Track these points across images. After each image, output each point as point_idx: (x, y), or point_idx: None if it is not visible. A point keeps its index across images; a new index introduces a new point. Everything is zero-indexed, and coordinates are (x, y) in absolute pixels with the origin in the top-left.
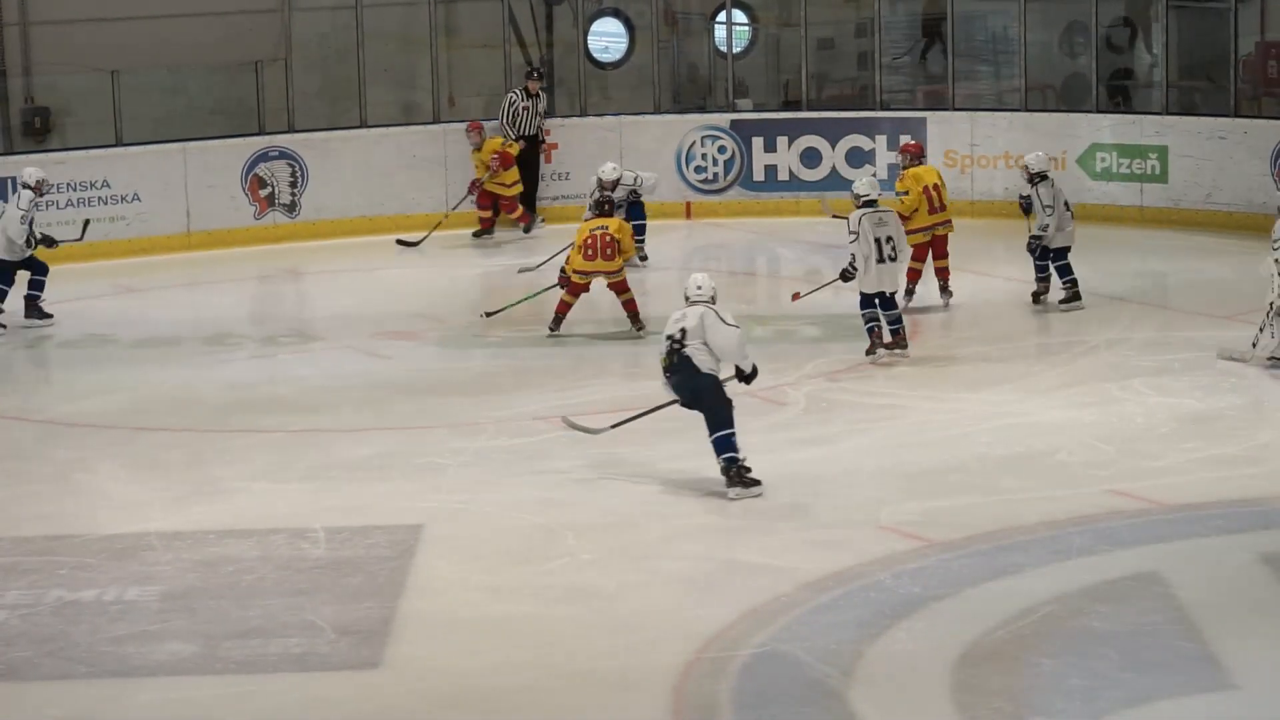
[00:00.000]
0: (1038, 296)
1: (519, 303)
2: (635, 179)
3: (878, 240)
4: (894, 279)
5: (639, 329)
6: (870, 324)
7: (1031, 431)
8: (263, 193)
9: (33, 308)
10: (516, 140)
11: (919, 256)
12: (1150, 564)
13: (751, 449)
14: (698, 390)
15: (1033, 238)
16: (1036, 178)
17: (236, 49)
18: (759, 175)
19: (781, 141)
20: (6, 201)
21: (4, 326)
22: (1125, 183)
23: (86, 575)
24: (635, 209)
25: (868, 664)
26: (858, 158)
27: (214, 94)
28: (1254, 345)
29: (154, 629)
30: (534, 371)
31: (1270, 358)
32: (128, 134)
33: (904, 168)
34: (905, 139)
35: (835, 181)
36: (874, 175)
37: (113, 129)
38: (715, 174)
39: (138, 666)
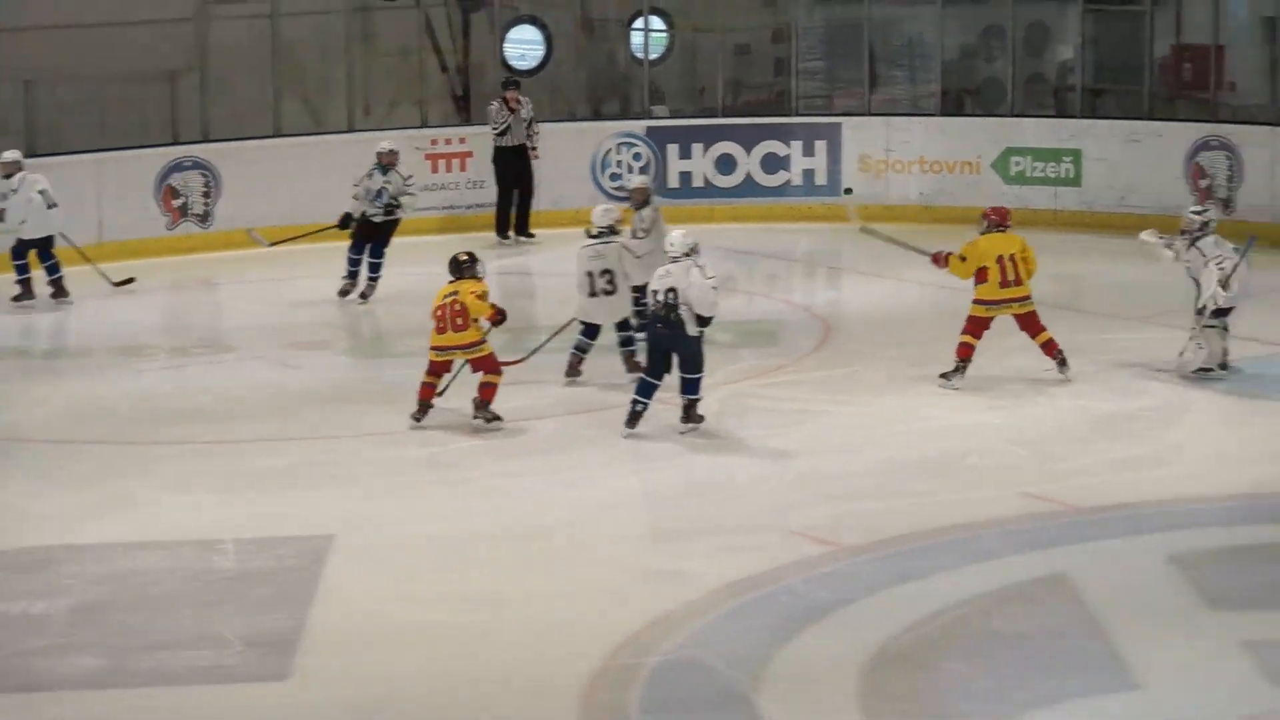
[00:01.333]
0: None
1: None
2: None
3: (589, 274)
4: (610, 312)
5: (487, 419)
6: (576, 352)
7: (942, 435)
8: (175, 203)
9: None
10: (512, 146)
11: (974, 332)
12: (1059, 566)
13: (663, 455)
14: (683, 349)
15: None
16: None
17: (151, 59)
18: (674, 182)
19: (697, 148)
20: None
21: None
22: (1040, 186)
23: None
24: None
25: (776, 669)
26: (773, 164)
27: (128, 104)
28: (1180, 354)
29: (62, 642)
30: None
31: (1197, 370)
32: (40, 144)
33: (980, 233)
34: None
35: (751, 188)
36: (607, 208)
37: (24, 139)
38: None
39: (45, 680)
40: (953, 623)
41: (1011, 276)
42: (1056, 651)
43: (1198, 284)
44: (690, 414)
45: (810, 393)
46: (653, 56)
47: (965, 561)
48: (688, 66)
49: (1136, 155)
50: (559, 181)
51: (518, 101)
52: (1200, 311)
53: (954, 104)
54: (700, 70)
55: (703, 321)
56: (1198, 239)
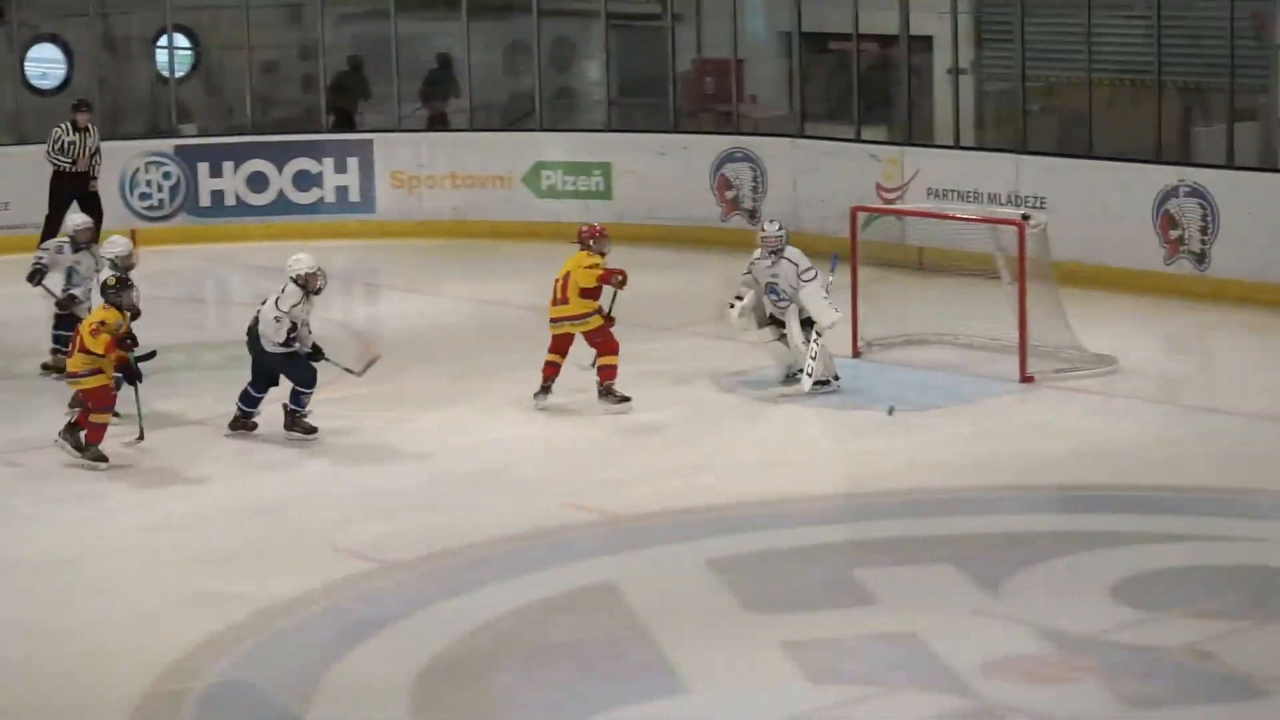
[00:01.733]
0: None
1: None
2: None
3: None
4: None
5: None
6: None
7: (486, 448)
8: None
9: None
10: (75, 171)
11: (554, 349)
12: (605, 574)
13: (211, 477)
14: (277, 365)
15: None
16: None
17: None
18: (205, 201)
19: (228, 166)
20: None
21: None
22: (570, 200)
23: None
24: None
25: (328, 688)
26: (305, 180)
27: None
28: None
29: None
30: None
31: (816, 382)
32: None
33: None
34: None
35: (284, 206)
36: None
37: None
38: (161, 200)
39: None
40: (503, 634)
41: (559, 296)
42: (606, 659)
43: (789, 300)
44: (296, 423)
45: (354, 409)
46: (179, 74)
47: (513, 573)
48: (215, 84)
49: (664, 168)
50: None
51: (88, 126)
52: (808, 324)
53: (483, 119)
54: (228, 88)
55: (286, 343)
56: (781, 251)
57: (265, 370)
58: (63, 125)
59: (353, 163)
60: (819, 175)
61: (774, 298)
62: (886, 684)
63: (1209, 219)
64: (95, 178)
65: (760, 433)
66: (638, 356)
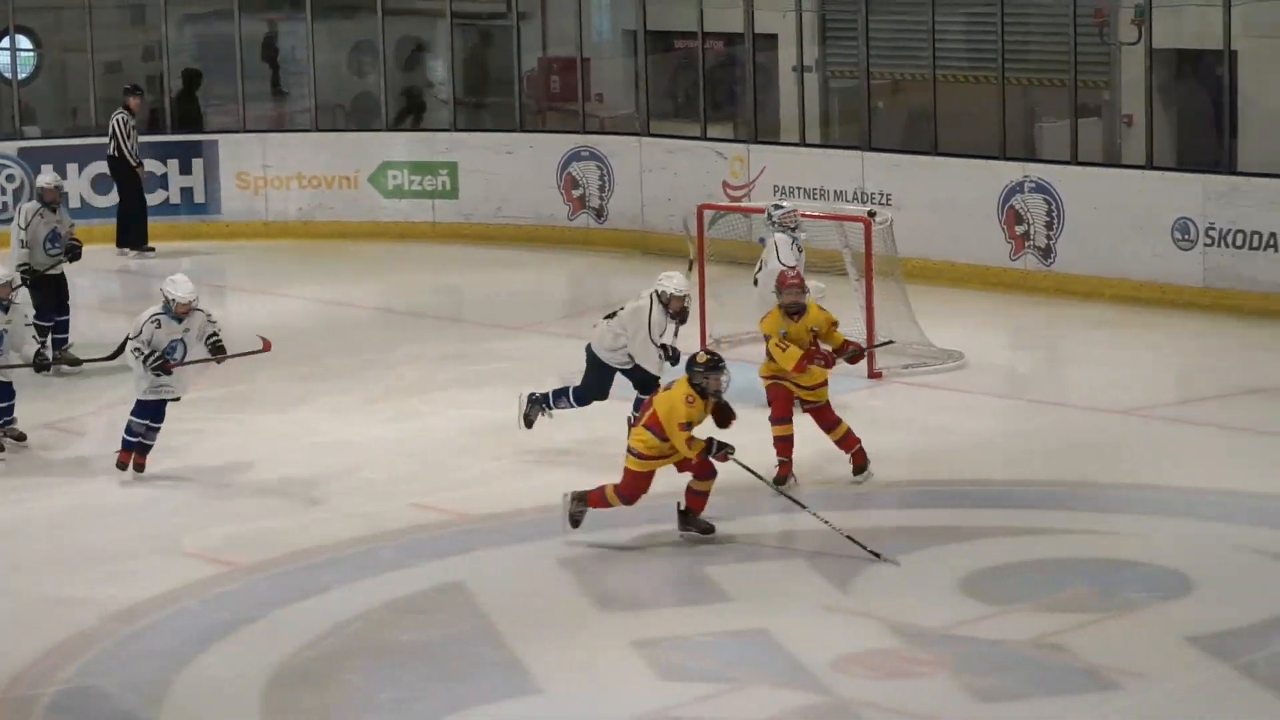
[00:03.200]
0: None
1: None
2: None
3: None
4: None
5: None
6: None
7: (335, 449)
8: None
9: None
10: (139, 164)
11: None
12: (455, 574)
13: (48, 486)
14: None
15: None
16: None
17: None
18: None
19: (72, 168)
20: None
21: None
22: (417, 199)
23: None
24: None
25: (177, 692)
26: (150, 182)
27: None
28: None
29: None
30: None
31: None
32: None
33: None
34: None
35: None
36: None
37: None
38: (4, 203)
39: None
40: (353, 636)
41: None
42: (457, 660)
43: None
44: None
45: (203, 412)
46: (21, 76)
47: (362, 575)
48: (58, 86)
49: (511, 166)
50: None
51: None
52: None
53: (329, 119)
54: (71, 89)
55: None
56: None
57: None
58: (123, 111)
59: (197, 164)
60: (665, 173)
61: None
62: (738, 680)
63: (1054, 214)
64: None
65: (610, 431)
66: (486, 355)
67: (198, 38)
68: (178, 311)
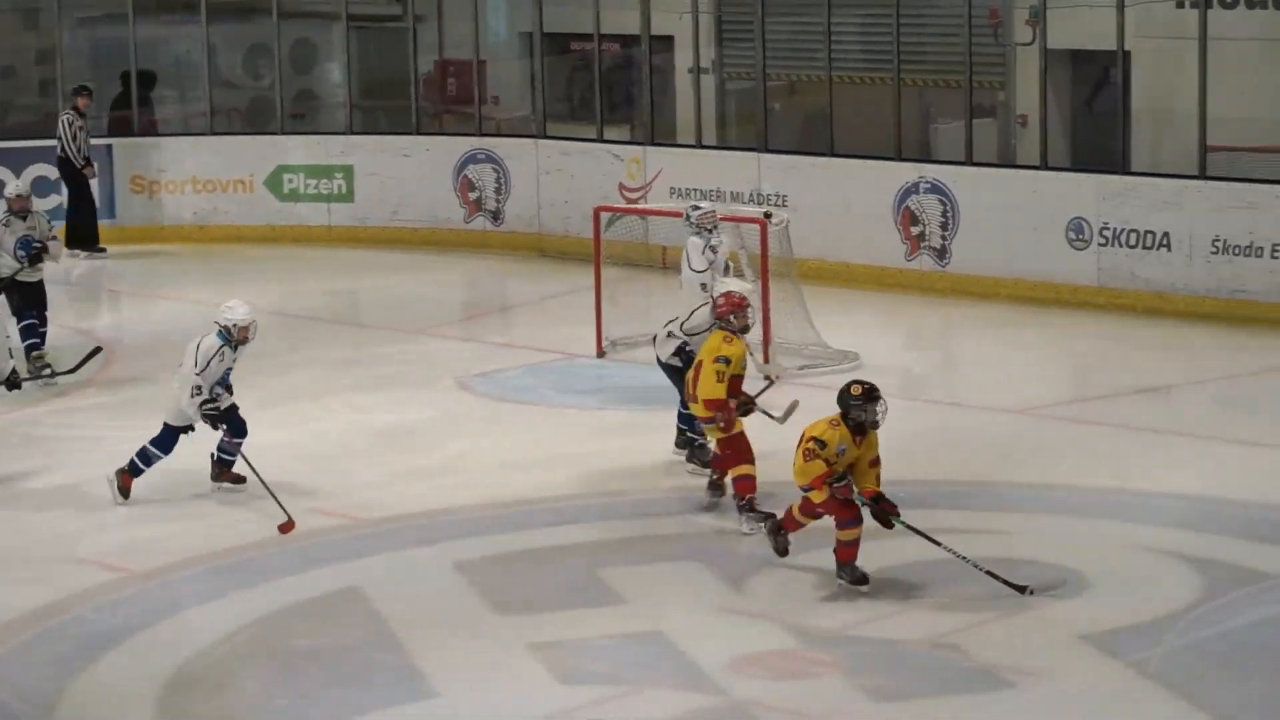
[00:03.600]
0: None
1: None
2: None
3: None
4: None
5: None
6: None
7: None
8: None
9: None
10: (86, 164)
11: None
12: (350, 579)
13: None
14: None
15: None
16: None
17: None
18: None
19: None
20: None
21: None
22: (313, 203)
23: None
24: None
25: (71, 700)
26: (45, 186)
27: None
28: None
29: None
30: None
31: None
32: None
33: None
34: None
35: None
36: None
37: None
38: None
39: None
40: (248, 643)
41: None
42: (353, 665)
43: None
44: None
45: (96, 418)
46: None
47: (257, 580)
48: None
49: (407, 170)
50: None
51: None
52: None
53: (224, 122)
54: None
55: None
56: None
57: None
58: (69, 112)
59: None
60: (562, 175)
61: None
62: (635, 683)
63: (949, 215)
64: (92, 164)
65: (505, 434)
66: (382, 359)
67: (92, 42)
68: (238, 337)
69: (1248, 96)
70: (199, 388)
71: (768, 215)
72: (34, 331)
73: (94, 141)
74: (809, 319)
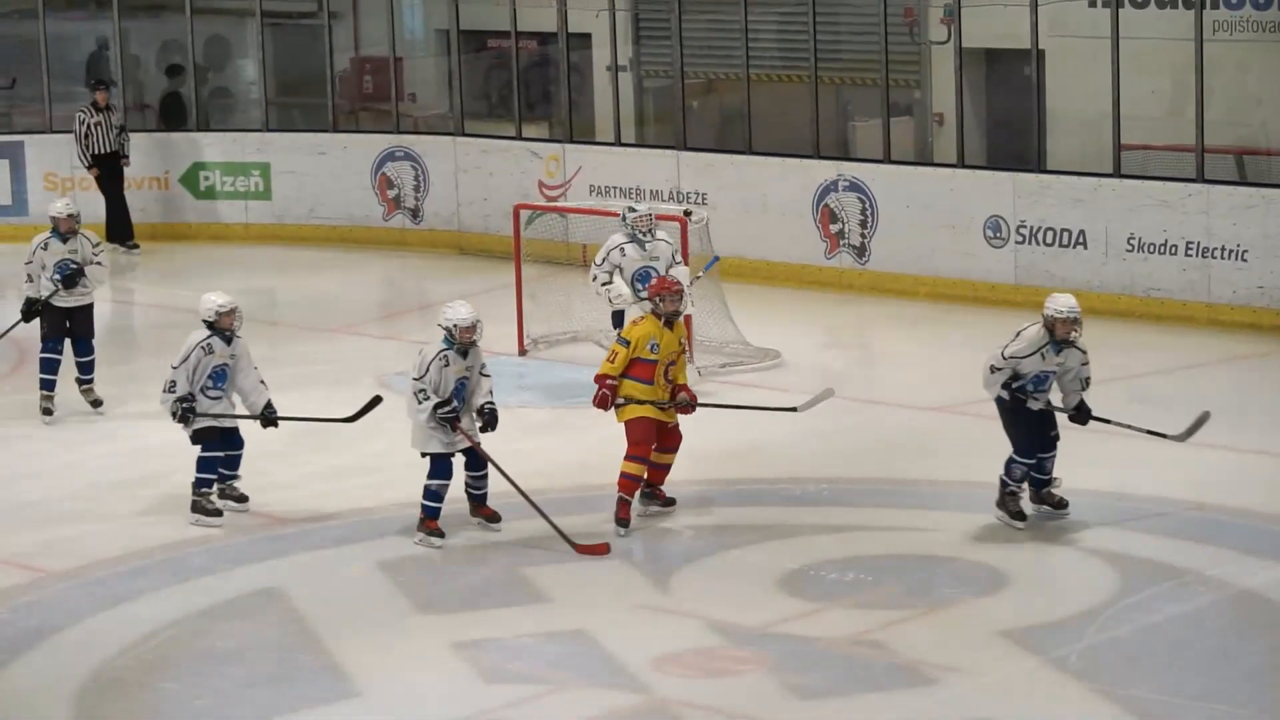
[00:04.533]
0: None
1: None
2: None
3: None
4: None
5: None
6: None
7: (144, 455)
8: None
9: None
10: (90, 166)
11: None
12: (270, 579)
13: None
14: None
15: None
16: None
17: None
18: None
19: None
20: None
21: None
22: (230, 201)
23: None
24: None
25: None
26: None
27: None
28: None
29: None
30: None
31: None
32: None
33: None
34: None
35: None
36: None
37: None
38: None
39: None
40: (167, 643)
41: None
42: (275, 665)
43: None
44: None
45: (5, 418)
46: None
47: (175, 581)
48: None
49: (324, 167)
50: None
51: (110, 104)
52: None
53: (139, 120)
54: None
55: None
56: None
57: None
58: (85, 109)
59: (3, 165)
60: (480, 173)
61: (642, 285)
62: (558, 681)
63: (868, 213)
64: (125, 155)
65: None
66: (300, 358)
67: (1, 37)
68: (461, 340)
69: (1160, 95)
70: (423, 392)
71: (688, 214)
72: (53, 365)
73: (6, 138)
74: (729, 317)
